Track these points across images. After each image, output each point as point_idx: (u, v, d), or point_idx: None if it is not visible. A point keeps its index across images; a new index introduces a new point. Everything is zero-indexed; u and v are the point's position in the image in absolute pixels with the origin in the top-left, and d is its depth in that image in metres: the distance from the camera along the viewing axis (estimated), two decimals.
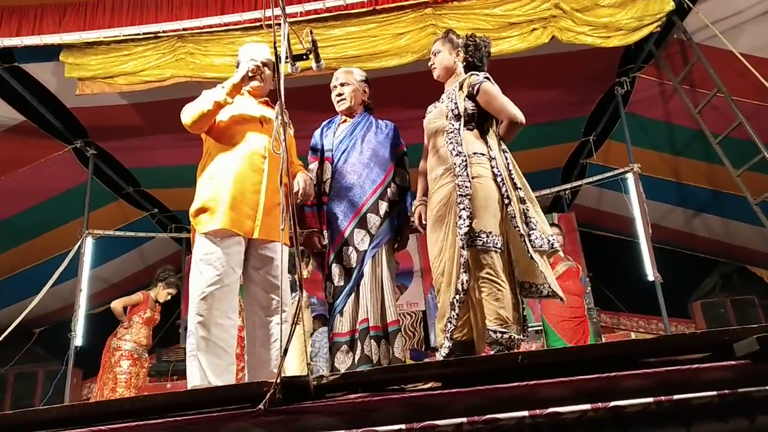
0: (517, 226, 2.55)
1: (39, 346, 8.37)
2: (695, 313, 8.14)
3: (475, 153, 2.67)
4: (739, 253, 7.80)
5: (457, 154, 2.67)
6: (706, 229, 7.54)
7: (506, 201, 2.59)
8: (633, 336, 7.51)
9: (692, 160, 6.52)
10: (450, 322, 2.62)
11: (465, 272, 2.57)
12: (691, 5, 4.80)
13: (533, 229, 2.57)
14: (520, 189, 2.62)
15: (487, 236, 2.56)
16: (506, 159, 2.67)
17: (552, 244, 2.63)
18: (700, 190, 6.86)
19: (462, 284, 2.57)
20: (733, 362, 1.69)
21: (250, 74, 2.80)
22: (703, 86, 5.43)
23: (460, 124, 2.72)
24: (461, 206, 2.58)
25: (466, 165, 2.63)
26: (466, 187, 2.59)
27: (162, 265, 6.86)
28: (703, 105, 5.35)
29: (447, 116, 2.76)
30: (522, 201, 2.60)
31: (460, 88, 2.79)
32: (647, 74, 5.90)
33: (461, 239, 2.56)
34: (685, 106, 5.55)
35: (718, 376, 1.66)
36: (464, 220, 2.56)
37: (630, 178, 6.33)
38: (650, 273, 5.94)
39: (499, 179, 2.61)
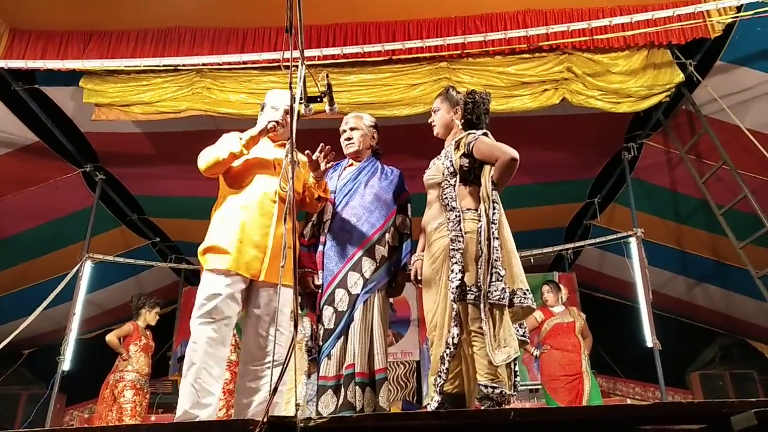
0: (479, 280, 2.54)
1: (25, 368, 8.27)
2: (693, 383, 8.02)
3: (468, 209, 2.70)
4: (740, 326, 7.73)
5: (451, 209, 2.70)
6: (707, 299, 7.49)
7: (479, 254, 2.58)
8: (628, 402, 7.36)
9: (696, 229, 6.53)
10: (440, 376, 2.59)
11: (456, 326, 2.56)
12: (700, 78, 4.90)
13: (497, 281, 2.52)
14: (497, 239, 2.59)
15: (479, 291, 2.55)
16: (493, 211, 2.64)
17: (520, 300, 2.58)
18: (702, 259, 6.85)
19: (453, 338, 2.55)
20: None
21: (269, 128, 2.84)
22: (709, 157, 5.50)
23: (455, 181, 2.76)
24: (453, 260, 2.60)
25: (460, 220, 2.65)
26: (459, 241, 2.61)
27: (157, 294, 6.86)
28: (708, 176, 5.40)
29: (443, 173, 2.81)
30: (490, 253, 2.56)
31: (456, 147, 2.83)
32: (654, 141, 5.98)
33: (452, 292, 2.56)
34: (691, 175, 5.60)
35: None
36: (456, 273, 2.57)
37: (633, 243, 6.35)
38: (649, 339, 5.88)
39: (479, 227, 2.61)
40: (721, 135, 5.09)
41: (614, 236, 6.69)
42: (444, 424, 1.81)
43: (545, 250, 7.51)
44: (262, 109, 3.03)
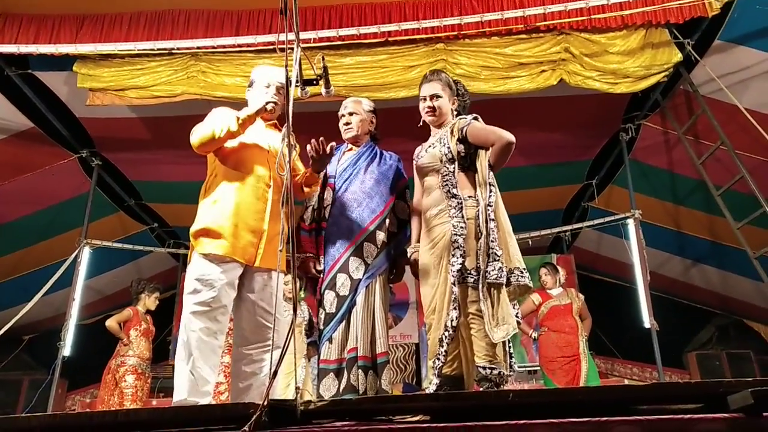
0: (479, 263, 2.56)
1: (26, 354, 8.30)
2: (690, 363, 8.08)
3: (469, 196, 2.71)
4: (737, 307, 7.77)
5: (452, 197, 2.71)
6: (704, 280, 7.52)
7: (479, 238, 2.60)
8: (626, 383, 7.42)
9: (693, 210, 6.54)
10: (438, 358, 2.62)
11: (455, 309, 2.58)
12: (698, 58, 4.87)
13: (494, 261, 2.56)
14: (493, 221, 2.62)
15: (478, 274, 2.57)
16: (489, 194, 2.67)
17: (517, 279, 2.62)
18: (699, 240, 6.86)
19: (451, 321, 2.57)
20: (726, 415, 1.67)
21: (268, 108, 2.78)
22: (706, 138, 5.48)
23: (454, 167, 2.76)
24: (455, 245, 2.62)
25: (461, 207, 2.67)
26: (461, 227, 2.63)
27: (156, 279, 6.87)
28: (706, 156, 5.39)
29: (441, 160, 2.80)
30: (488, 234, 2.60)
31: (451, 133, 2.83)
32: (652, 122, 5.96)
33: (453, 276, 2.58)
34: (689, 156, 5.58)
35: (710, 427, 1.63)
36: (457, 258, 2.59)
37: (630, 224, 6.35)
38: (647, 320, 5.91)
39: (477, 212, 2.63)
40: (719, 115, 5.07)
41: (612, 218, 6.71)
42: (443, 405, 1.82)
43: (543, 232, 7.54)
44: (250, 86, 2.94)
